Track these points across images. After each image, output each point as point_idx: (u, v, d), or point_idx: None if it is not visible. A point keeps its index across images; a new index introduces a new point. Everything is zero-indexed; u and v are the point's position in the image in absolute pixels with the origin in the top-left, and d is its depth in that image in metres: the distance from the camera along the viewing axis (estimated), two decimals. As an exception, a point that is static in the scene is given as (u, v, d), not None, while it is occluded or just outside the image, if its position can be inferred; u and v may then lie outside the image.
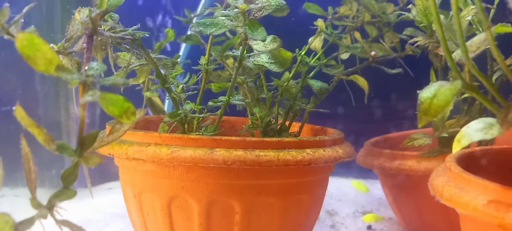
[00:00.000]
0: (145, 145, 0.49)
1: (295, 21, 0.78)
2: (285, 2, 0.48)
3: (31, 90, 1.02)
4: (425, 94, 0.37)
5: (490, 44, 0.35)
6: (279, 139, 0.50)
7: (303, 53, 0.73)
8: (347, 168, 1.13)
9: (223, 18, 0.46)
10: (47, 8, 0.97)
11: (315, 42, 0.75)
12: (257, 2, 0.47)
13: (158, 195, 0.51)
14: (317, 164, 0.51)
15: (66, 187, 0.35)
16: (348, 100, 0.78)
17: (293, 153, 0.50)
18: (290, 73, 0.72)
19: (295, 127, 0.73)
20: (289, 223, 0.54)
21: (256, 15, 0.47)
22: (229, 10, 0.46)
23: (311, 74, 0.76)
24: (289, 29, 0.78)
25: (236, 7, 0.46)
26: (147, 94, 0.70)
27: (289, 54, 0.54)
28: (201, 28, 0.46)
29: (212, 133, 0.56)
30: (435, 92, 0.36)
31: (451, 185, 0.44)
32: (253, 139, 0.49)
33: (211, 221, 0.51)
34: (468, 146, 0.62)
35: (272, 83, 0.71)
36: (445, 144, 0.64)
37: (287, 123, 0.71)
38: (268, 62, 0.52)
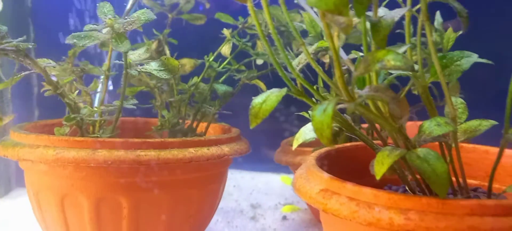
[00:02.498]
0: (35, 146, 0.53)
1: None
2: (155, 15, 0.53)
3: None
4: (257, 100, 0.43)
5: (307, 58, 0.41)
6: (162, 139, 0.56)
7: (211, 59, 0.79)
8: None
9: (96, 32, 0.51)
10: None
11: (225, 49, 0.80)
12: (126, 17, 0.52)
13: (52, 193, 0.56)
14: (199, 161, 0.56)
15: None
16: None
17: (175, 152, 0.55)
18: (198, 77, 0.78)
19: (212, 129, 0.79)
20: (179, 216, 0.60)
21: (127, 28, 0.52)
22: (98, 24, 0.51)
23: (222, 78, 0.82)
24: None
25: (105, 22, 0.51)
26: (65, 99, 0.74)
27: (176, 63, 0.60)
28: (75, 40, 0.51)
29: (109, 135, 0.61)
30: (265, 99, 0.42)
31: (303, 177, 0.51)
32: (136, 140, 0.54)
33: (101, 216, 0.56)
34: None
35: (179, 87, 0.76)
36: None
37: (195, 124, 0.76)
38: (156, 70, 0.57)
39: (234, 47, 0.83)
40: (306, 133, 0.47)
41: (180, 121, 0.74)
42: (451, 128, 0.43)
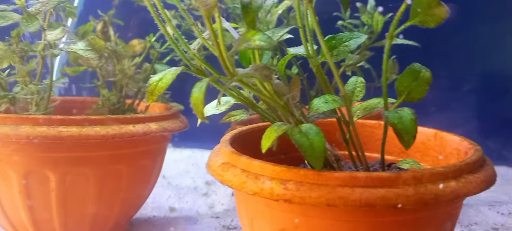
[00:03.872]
0: (-40, 123, 0.56)
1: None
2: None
3: None
4: (154, 78, 0.45)
5: (203, 42, 0.44)
6: (86, 116, 0.58)
7: (152, 40, 0.81)
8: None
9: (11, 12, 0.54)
10: None
11: (167, 30, 0.82)
12: (40, -1, 0.54)
13: (-17, 166, 0.59)
14: (123, 138, 0.59)
15: None
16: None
17: (97, 129, 0.58)
18: (140, 58, 0.80)
19: (157, 108, 0.81)
20: (108, 190, 0.63)
21: (41, 9, 0.54)
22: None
23: (167, 59, 0.85)
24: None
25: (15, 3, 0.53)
26: None
27: (102, 43, 0.62)
28: (-11, 20, 0.53)
29: (42, 112, 0.63)
30: (162, 77, 0.45)
31: (214, 153, 0.53)
32: (59, 116, 0.57)
33: (29, 188, 0.59)
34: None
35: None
36: (263, 119, 0.74)
37: (136, 103, 0.79)
38: (83, 50, 0.60)
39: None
40: (210, 110, 0.50)
41: (122, 100, 0.77)
42: (337, 105, 0.46)
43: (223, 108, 0.49)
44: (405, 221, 0.44)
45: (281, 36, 0.43)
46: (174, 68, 0.46)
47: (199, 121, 0.54)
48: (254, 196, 0.44)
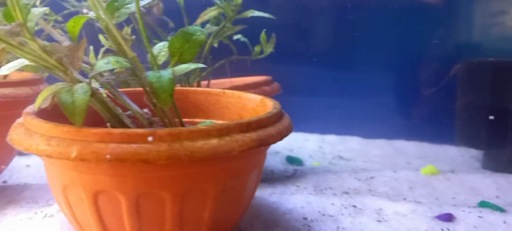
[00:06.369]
0: None
1: None
2: None
3: None
4: None
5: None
6: None
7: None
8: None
9: None
10: None
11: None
12: None
13: None
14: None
15: None
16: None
17: None
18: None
19: None
20: None
21: None
22: None
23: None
24: None
25: None
26: None
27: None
28: None
29: None
30: None
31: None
32: None
33: None
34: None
35: None
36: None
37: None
38: None
39: None
40: (3, 69, 0.51)
41: None
42: (118, 66, 0.47)
43: (14, 69, 0.49)
44: (171, 176, 0.45)
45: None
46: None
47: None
48: (26, 151, 0.45)
